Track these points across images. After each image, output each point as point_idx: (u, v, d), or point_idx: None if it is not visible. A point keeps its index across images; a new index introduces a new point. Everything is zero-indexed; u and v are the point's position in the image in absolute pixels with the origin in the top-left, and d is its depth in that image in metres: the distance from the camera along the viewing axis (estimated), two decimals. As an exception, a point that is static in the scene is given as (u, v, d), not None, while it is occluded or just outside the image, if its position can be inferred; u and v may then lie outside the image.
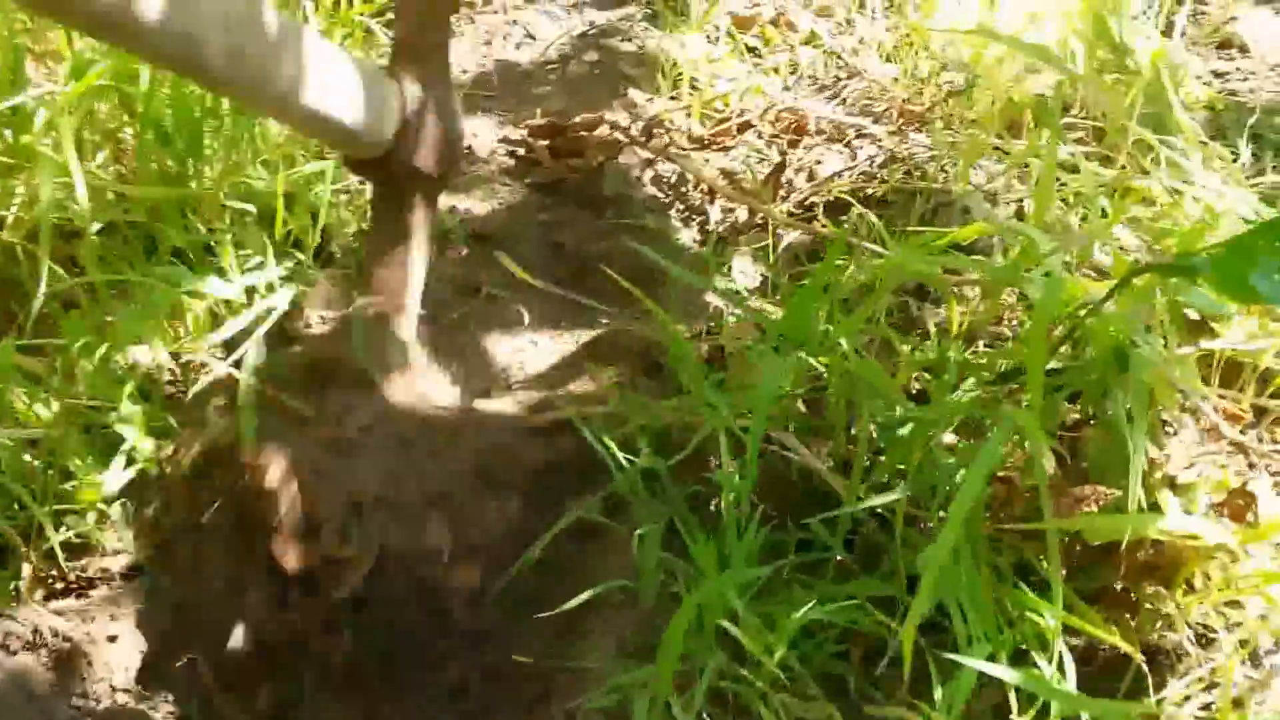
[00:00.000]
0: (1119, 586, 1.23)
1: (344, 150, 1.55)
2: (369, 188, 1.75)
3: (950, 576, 1.08)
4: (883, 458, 1.33)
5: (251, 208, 1.73)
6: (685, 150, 2.40)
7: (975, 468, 1.00)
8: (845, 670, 1.26)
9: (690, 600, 1.03)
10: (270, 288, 1.60)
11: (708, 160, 2.39)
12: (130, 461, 1.43)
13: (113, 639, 1.25)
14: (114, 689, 1.23)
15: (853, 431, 1.36)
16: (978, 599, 1.09)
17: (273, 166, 1.82)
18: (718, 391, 1.44)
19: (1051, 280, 1.09)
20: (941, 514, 1.20)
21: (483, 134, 2.40)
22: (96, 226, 1.59)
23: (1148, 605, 1.24)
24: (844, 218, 2.09)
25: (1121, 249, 1.60)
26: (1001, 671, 1.05)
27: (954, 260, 1.43)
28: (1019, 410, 1.11)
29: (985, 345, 1.72)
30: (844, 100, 2.54)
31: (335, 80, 1.34)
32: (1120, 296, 1.17)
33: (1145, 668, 1.21)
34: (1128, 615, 1.25)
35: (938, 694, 1.10)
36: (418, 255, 1.59)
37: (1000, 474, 1.27)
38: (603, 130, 2.37)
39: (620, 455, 1.41)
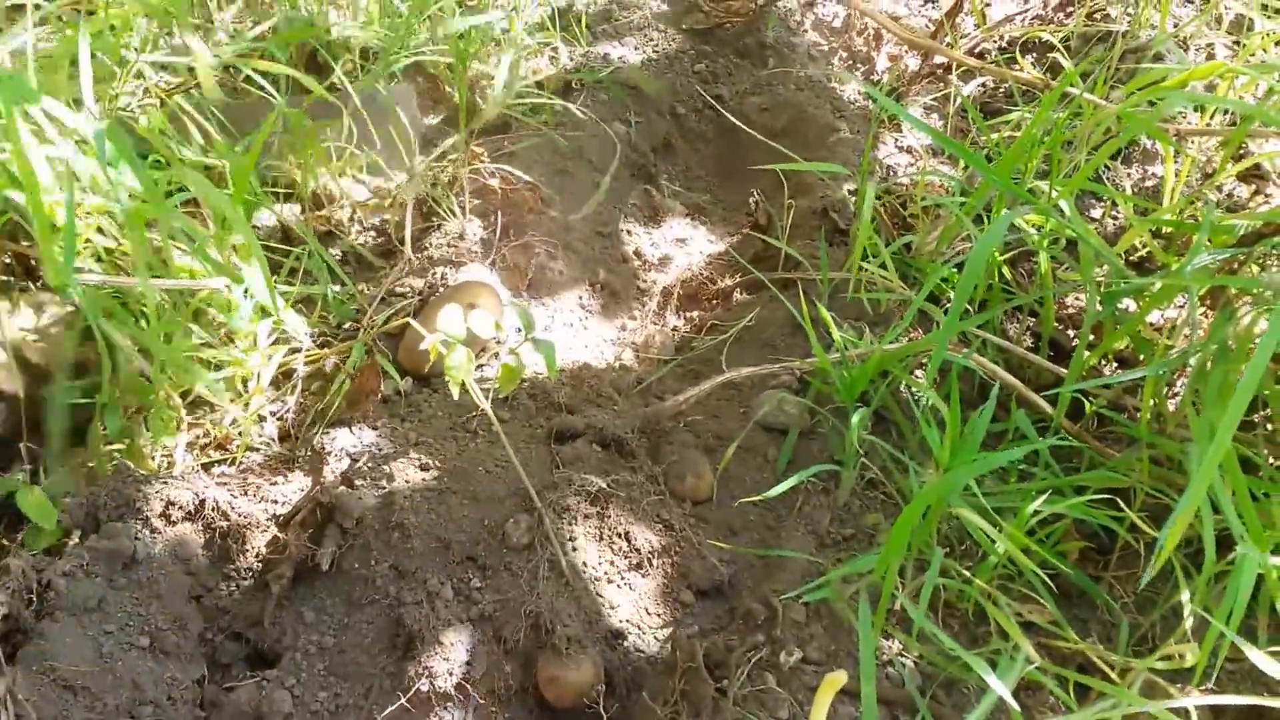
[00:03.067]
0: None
1: None
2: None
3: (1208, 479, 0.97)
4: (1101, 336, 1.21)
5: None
6: (851, -9, 2.24)
7: (1264, 344, 0.86)
8: (1073, 572, 1.17)
9: (924, 494, 0.93)
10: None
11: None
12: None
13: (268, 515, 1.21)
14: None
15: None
16: (1242, 494, 0.97)
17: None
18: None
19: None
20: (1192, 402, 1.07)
21: (637, -24, 2.27)
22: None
23: None
24: (1018, 66, 1.93)
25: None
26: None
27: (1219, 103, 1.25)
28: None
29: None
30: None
31: None
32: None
33: None
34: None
35: (1186, 596, 0.99)
36: None
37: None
38: (765, -30, 2.22)
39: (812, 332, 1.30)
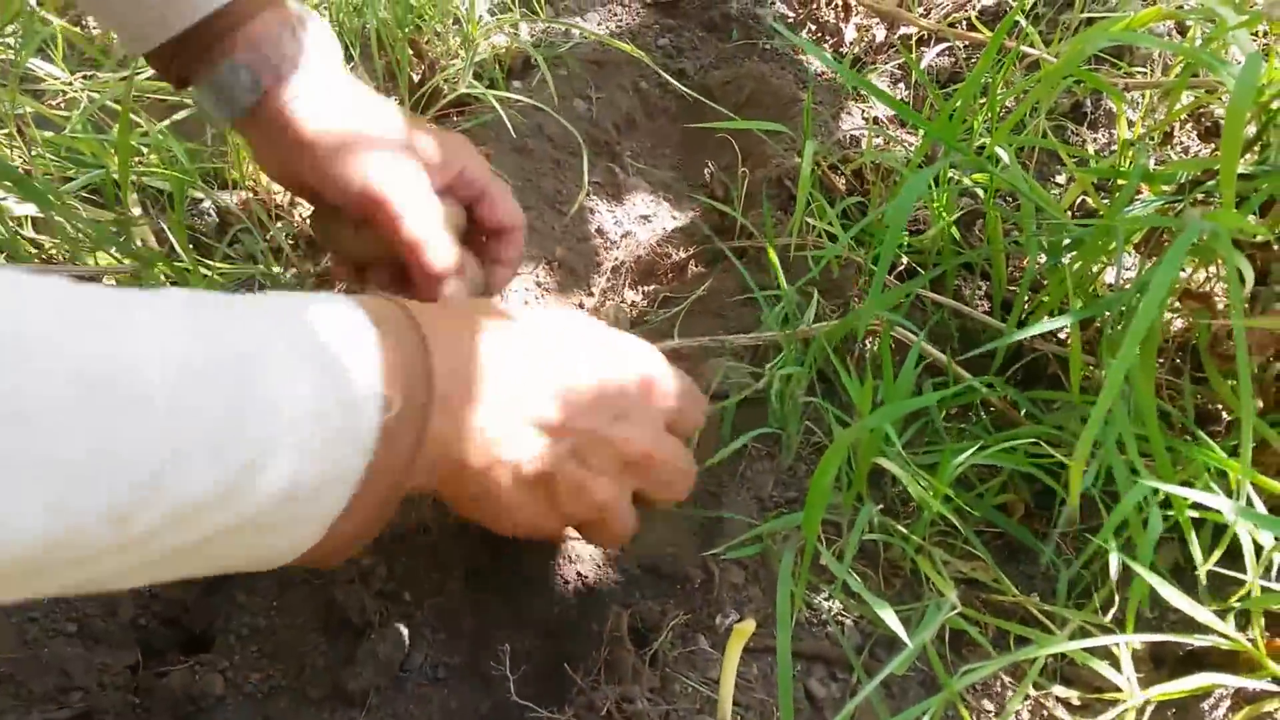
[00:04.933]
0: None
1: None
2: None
3: (1119, 416, 0.95)
4: (1046, 290, 1.19)
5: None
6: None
7: (1160, 273, 0.85)
8: (1010, 526, 1.15)
9: (844, 437, 0.91)
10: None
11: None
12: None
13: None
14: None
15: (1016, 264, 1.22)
16: (1155, 439, 0.95)
17: None
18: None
19: (1252, 57, 0.91)
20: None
21: (598, -51, 2.25)
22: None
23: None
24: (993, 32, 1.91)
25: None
26: (1205, 497, 0.91)
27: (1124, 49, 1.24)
28: (1210, 211, 0.95)
29: (1159, 164, 1.56)
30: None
31: None
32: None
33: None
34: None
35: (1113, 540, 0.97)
36: None
37: (1193, 291, 1.12)
38: (727, -59, 2.19)
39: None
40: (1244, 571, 0.97)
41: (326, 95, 1.01)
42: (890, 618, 0.92)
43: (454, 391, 0.78)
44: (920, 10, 2.13)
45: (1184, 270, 1.22)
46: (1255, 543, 0.97)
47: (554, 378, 0.86)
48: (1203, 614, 0.91)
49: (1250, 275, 0.96)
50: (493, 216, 1.13)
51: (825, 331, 1.20)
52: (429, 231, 1.01)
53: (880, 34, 2.13)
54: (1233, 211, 0.94)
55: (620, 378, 0.91)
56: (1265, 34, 1.45)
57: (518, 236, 1.15)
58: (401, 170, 1.00)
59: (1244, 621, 1.02)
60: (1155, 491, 0.96)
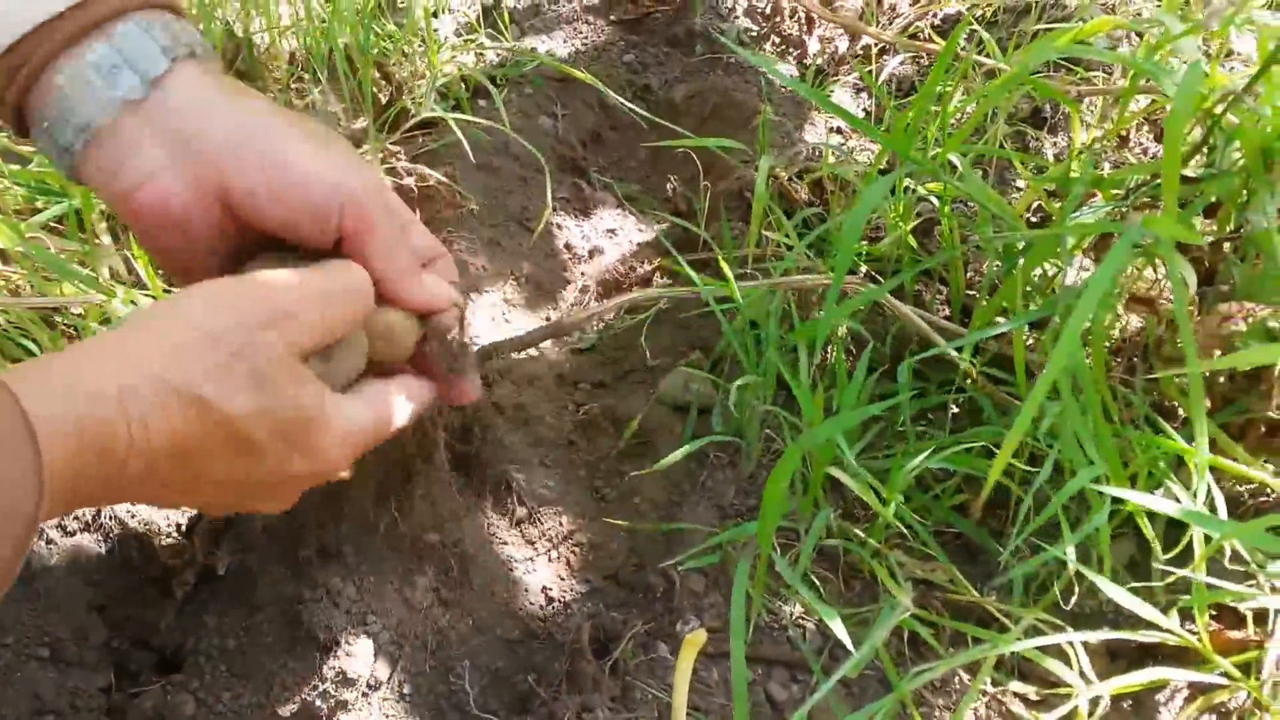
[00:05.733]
0: (1268, 418, 1.11)
1: None
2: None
3: (1070, 413, 0.97)
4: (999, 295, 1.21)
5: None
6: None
7: (1098, 275, 0.87)
8: (967, 527, 1.17)
9: (795, 447, 0.93)
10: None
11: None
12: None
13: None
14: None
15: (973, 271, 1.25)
16: (1103, 435, 0.98)
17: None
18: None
19: (1193, 67, 0.94)
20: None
21: (563, -32, 2.27)
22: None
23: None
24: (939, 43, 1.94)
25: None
26: (1150, 500, 0.93)
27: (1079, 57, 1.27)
28: (1150, 215, 0.97)
29: (1116, 166, 1.58)
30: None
31: None
32: (1266, 83, 1.02)
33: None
34: (1273, 451, 1.12)
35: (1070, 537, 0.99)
36: None
37: (1138, 295, 1.15)
38: (689, -42, 2.22)
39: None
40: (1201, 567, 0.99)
41: (238, 83, 0.82)
42: (837, 624, 0.94)
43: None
44: (884, 20, 2.16)
45: (1134, 270, 1.25)
46: (1206, 536, 0.99)
47: None
48: (1146, 610, 0.93)
49: (1193, 278, 0.99)
50: (421, 243, 0.90)
51: (776, 340, 1.22)
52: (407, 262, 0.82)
53: (843, 45, 2.16)
54: (1173, 217, 0.97)
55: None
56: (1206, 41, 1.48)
57: (449, 261, 0.93)
58: (372, 182, 0.80)
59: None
60: (1098, 482, 0.98)
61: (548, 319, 1.62)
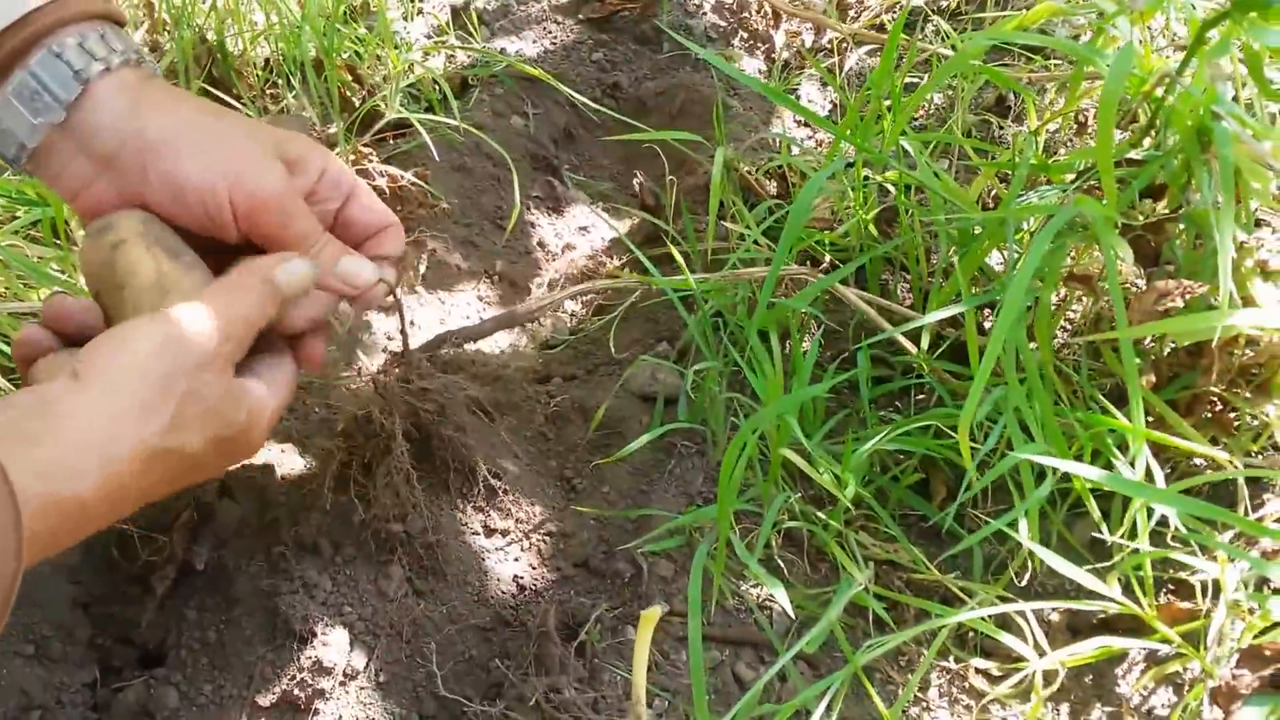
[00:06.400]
0: (1211, 393, 1.14)
1: None
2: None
3: (1014, 393, 1.00)
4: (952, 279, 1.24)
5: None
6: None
7: (1029, 255, 0.90)
8: (926, 508, 1.20)
9: (748, 425, 0.96)
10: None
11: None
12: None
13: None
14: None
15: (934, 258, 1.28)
16: (1046, 413, 1.01)
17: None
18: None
19: (1125, 49, 0.97)
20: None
21: (532, -31, 2.30)
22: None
23: (1245, 414, 1.15)
24: (920, 34, 1.97)
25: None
26: (1079, 468, 0.97)
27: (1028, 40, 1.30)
28: (1082, 196, 1.00)
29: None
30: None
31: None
32: (1199, 62, 1.05)
33: (1243, 484, 1.12)
34: (1221, 427, 1.16)
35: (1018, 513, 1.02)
36: None
37: (1075, 274, 1.18)
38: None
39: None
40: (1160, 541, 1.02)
41: (165, 91, 0.89)
42: (780, 593, 0.98)
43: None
44: (853, 14, 2.18)
45: (1079, 250, 1.28)
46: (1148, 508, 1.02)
47: None
48: (1088, 579, 0.96)
49: (1129, 256, 1.02)
50: (368, 214, 0.99)
51: (734, 325, 1.25)
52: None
53: (809, 38, 2.19)
54: (1112, 197, 1.00)
55: None
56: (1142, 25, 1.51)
57: (397, 230, 1.02)
58: (268, 176, 0.89)
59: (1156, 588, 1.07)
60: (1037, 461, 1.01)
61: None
